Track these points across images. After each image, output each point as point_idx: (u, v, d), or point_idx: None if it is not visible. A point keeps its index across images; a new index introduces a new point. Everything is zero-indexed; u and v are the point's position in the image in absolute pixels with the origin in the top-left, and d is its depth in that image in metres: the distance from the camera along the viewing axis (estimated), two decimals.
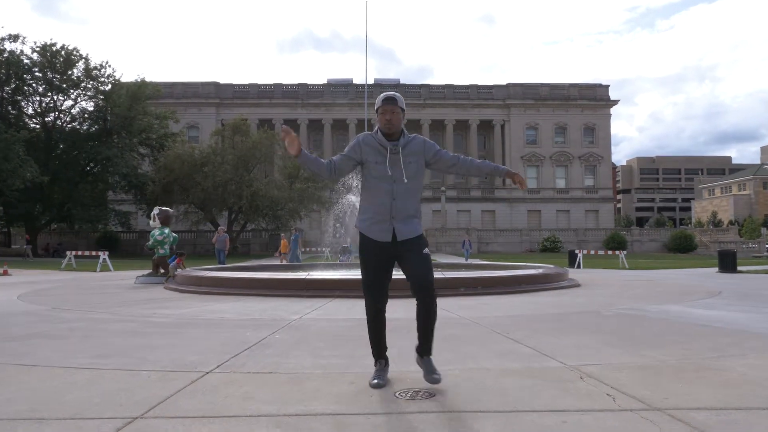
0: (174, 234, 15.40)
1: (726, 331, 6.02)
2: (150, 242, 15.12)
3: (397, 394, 3.58)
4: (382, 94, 3.83)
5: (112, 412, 3.25)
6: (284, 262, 26.10)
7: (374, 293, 3.85)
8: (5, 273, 20.56)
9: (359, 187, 4.04)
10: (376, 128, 3.85)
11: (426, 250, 3.80)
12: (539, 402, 3.42)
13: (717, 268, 21.56)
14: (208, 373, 4.18)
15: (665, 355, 4.74)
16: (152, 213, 15.30)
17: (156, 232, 15.02)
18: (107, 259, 24.80)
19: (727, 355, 4.76)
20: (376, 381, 3.78)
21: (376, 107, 3.81)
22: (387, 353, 3.97)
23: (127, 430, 2.94)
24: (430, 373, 3.71)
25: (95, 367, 4.39)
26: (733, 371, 4.17)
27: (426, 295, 3.70)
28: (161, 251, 15.06)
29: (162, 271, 15.02)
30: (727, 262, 21.18)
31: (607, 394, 3.57)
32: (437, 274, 11.34)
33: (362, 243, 3.83)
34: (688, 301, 9.26)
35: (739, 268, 21.99)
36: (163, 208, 15.50)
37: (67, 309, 8.49)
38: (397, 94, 3.79)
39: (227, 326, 6.55)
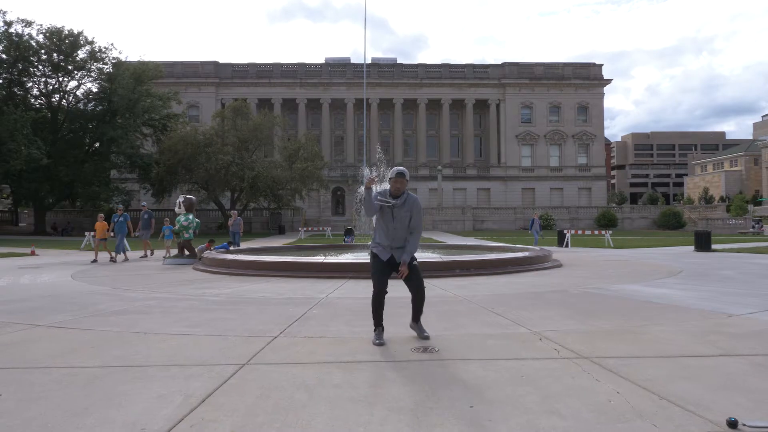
0: (197, 220, 17.05)
1: (660, 306, 7.74)
2: (176, 227, 16.77)
3: (411, 350, 5.27)
4: (396, 168, 5.58)
5: (225, 360, 4.93)
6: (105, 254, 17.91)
7: (381, 284, 5.62)
8: (33, 253, 22.18)
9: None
10: (388, 188, 5.62)
11: (415, 263, 5.65)
12: (508, 354, 5.13)
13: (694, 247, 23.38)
14: (276, 337, 5.86)
15: (606, 324, 6.46)
16: (178, 200, 16.93)
17: (181, 218, 16.67)
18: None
19: (651, 323, 6.48)
20: (378, 341, 5.53)
21: (389, 176, 5.64)
22: (384, 323, 5.76)
23: (243, 371, 4.62)
24: (422, 332, 5.75)
25: (191, 334, 6.07)
26: (648, 334, 5.89)
27: (422, 294, 5.69)
28: (186, 235, 16.73)
29: (187, 253, 16.70)
30: (702, 242, 22.99)
31: (555, 349, 5.27)
32: (437, 257, 13.01)
33: (372, 256, 5.71)
34: (647, 281, 10.99)
35: (715, 246, 23.85)
36: (188, 196, 17.13)
37: (129, 289, 10.16)
38: (406, 171, 5.62)
39: (272, 303, 8.24)
